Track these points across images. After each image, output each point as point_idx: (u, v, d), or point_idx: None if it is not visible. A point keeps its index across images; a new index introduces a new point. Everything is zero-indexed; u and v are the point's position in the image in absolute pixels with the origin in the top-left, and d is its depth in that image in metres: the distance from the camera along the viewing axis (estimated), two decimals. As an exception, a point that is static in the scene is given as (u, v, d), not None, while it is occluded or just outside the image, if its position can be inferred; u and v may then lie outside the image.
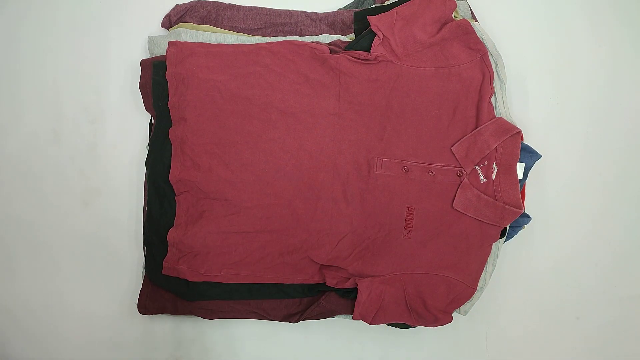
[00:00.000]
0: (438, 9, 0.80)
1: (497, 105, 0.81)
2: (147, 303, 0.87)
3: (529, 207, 0.83)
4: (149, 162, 0.86)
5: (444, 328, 0.83)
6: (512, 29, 0.91)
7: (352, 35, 0.85)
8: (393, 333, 0.91)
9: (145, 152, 0.88)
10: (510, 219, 0.78)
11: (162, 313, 0.87)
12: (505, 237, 0.82)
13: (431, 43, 0.80)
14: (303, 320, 0.85)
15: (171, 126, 0.83)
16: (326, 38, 0.84)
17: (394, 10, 0.82)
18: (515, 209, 0.77)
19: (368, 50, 0.81)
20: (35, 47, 0.92)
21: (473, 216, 0.80)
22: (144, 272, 0.87)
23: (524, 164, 0.81)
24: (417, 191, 0.82)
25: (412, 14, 0.81)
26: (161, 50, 0.85)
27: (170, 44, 0.82)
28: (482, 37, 0.80)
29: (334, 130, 0.82)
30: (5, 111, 0.93)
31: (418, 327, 0.85)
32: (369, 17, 0.81)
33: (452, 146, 0.81)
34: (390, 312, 0.83)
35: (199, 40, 0.83)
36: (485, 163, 0.80)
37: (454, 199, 0.80)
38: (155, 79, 0.84)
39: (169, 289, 0.86)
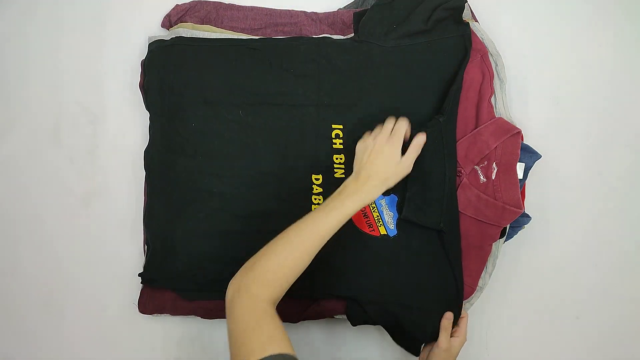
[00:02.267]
0: None
1: (497, 105, 0.81)
2: (147, 303, 0.87)
3: (529, 207, 0.83)
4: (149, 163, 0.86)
5: (444, 328, 0.83)
6: (512, 29, 0.91)
7: (353, 36, 0.85)
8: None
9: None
10: (510, 218, 0.78)
11: (162, 313, 0.87)
12: (505, 237, 0.82)
13: None
14: (303, 320, 0.85)
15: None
16: (326, 38, 0.84)
17: None
18: (515, 209, 0.77)
19: None
20: (34, 47, 0.92)
21: (473, 216, 0.80)
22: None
23: (524, 164, 0.81)
24: (417, 191, 0.82)
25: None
26: (161, 50, 0.85)
27: None
28: (482, 37, 0.81)
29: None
30: (5, 111, 0.93)
31: (418, 327, 0.85)
32: None
33: (452, 146, 0.81)
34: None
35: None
36: (485, 163, 0.80)
37: (454, 199, 0.81)
38: (156, 79, 0.84)
39: (168, 289, 0.86)
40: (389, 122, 0.73)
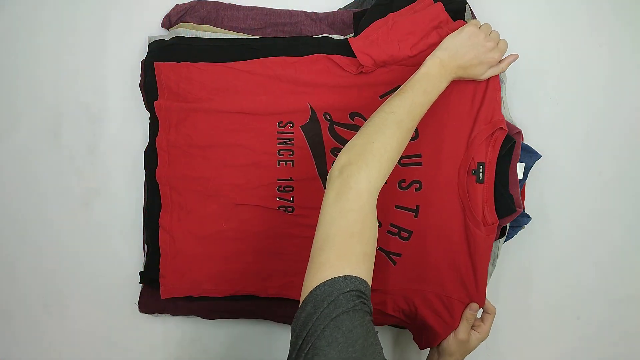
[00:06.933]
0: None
1: (497, 105, 0.80)
2: (148, 302, 0.87)
3: (529, 207, 0.83)
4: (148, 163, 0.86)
5: (444, 328, 0.83)
6: (513, 29, 0.90)
7: (352, 36, 0.85)
8: (393, 333, 0.91)
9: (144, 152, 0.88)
10: (510, 218, 0.78)
11: (162, 313, 0.87)
12: (505, 237, 0.82)
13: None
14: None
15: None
16: (326, 38, 0.84)
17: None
18: (515, 209, 0.77)
19: None
20: (34, 47, 0.92)
21: (473, 216, 0.80)
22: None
23: (524, 164, 0.81)
24: (417, 191, 0.82)
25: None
26: (161, 50, 0.85)
27: None
28: (482, 37, 0.80)
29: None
30: (4, 111, 0.93)
31: (418, 327, 0.85)
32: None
33: (452, 146, 0.81)
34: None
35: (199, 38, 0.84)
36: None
37: (454, 198, 0.81)
38: (156, 79, 0.84)
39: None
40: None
